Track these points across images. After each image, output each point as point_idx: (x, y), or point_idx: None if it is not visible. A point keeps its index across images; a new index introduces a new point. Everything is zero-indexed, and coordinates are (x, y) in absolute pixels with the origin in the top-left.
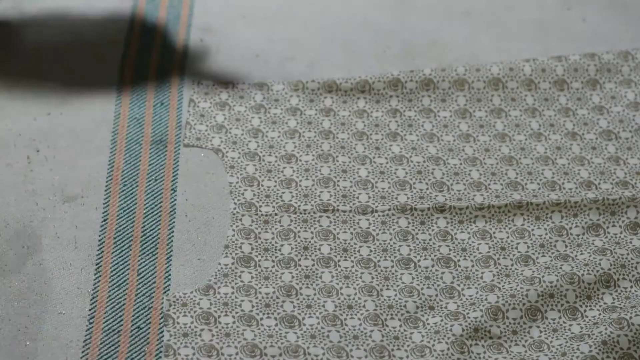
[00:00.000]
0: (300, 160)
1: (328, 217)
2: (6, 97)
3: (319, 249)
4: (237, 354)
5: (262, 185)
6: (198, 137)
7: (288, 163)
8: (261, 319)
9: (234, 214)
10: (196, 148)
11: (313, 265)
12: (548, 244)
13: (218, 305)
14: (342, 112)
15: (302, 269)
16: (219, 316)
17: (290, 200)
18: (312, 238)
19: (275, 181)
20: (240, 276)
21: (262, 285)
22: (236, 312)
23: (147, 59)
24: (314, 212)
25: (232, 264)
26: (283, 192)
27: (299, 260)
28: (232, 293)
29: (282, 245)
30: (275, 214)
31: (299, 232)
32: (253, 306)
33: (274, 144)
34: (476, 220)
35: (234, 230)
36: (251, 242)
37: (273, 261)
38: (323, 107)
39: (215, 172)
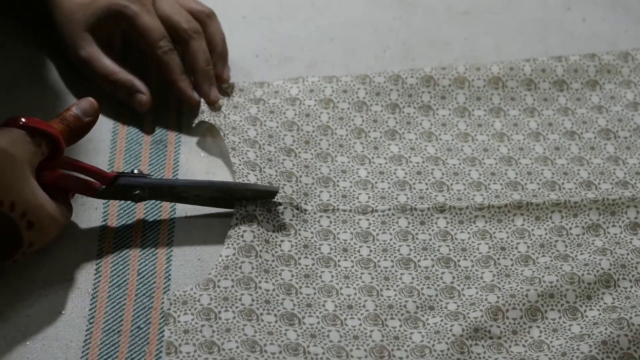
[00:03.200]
0: (299, 157)
1: (328, 217)
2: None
3: (319, 249)
4: (237, 347)
5: (264, 172)
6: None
7: (288, 156)
8: (261, 314)
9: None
10: (196, 148)
11: (313, 264)
12: (548, 244)
13: (218, 301)
14: (341, 103)
15: (302, 268)
16: (219, 312)
17: (292, 194)
18: (312, 237)
19: (276, 170)
20: (240, 267)
21: (262, 279)
22: (236, 307)
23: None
24: (314, 212)
25: (233, 254)
26: (284, 185)
27: (299, 259)
28: (232, 287)
29: (282, 241)
30: (280, 204)
31: (299, 230)
32: (253, 300)
33: (272, 133)
34: (476, 220)
35: (237, 219)
36: (253, 229)
37: (273, 255)
38: (323, 98)
39: (215, 172)
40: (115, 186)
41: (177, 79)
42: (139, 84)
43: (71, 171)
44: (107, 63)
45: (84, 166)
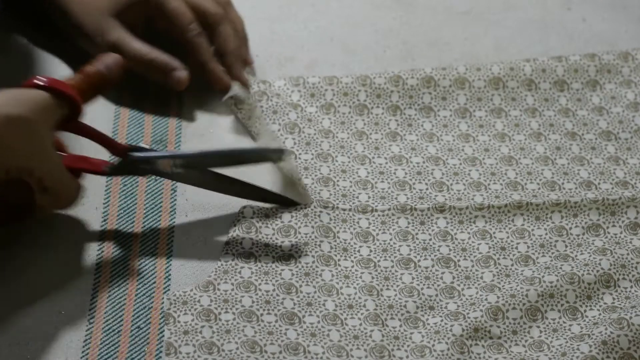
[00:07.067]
0: (300, 158)
1: (328, 213)
2: None
3: (319, 246)
4: (237, 349)
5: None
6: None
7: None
8: (261, 314)
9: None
10: (196, 148)
11: (313, 262)
12: (548, 244)
13: (218, 302)
14: (342, 107)
15: (302, 266)
16: (219, 313)
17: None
18: (312, 233)
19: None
20: (240, 272)
21: (262, 281)
22: (236, 309)
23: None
24: (314, 207)
25: (232, 259)
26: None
27: (299, 257)
28: (232, 290)
29: (282, 243)
30: (278, 209)
31: (299, 227)
32: (253, 302)
33: (274, 137)
34: (476, 221)
35: (234, 225)
36: (252, 236)
37: (273, 258)
38: (324, 103)
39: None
40: (125, 160)
41: (208, 60)
42: (175, 62)
43: (83, 136)
44: (139, 44)
45: (96, 134)
